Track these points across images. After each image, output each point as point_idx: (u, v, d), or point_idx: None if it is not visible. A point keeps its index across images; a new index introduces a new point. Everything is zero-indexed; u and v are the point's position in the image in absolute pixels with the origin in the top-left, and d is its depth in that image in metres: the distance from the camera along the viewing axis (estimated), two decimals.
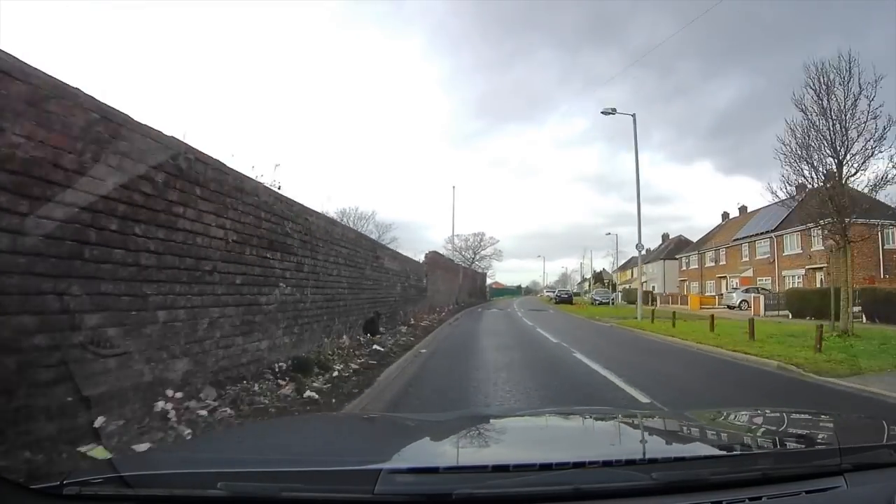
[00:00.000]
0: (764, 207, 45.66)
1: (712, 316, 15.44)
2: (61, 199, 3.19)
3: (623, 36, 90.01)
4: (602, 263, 78.29)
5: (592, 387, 6.96)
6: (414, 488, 1.17)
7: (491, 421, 2.28)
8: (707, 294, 44.76)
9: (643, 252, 26.17)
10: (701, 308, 34.86)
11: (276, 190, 7.13)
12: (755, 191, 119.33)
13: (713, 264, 47.31)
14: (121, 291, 3.71)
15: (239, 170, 5.94)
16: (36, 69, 3.11)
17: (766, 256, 39.96)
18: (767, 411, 2.61)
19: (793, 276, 36.87)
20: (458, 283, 34.45)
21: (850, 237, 14.17)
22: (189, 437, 3.57)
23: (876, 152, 12.90)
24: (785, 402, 6.27)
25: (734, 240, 44.06)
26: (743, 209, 49.03)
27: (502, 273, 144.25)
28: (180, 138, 4.77)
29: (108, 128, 3.66)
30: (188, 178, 4.74)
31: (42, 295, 3.03)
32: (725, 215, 52.14)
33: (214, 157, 5.36)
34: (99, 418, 3.28)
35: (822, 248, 35.35)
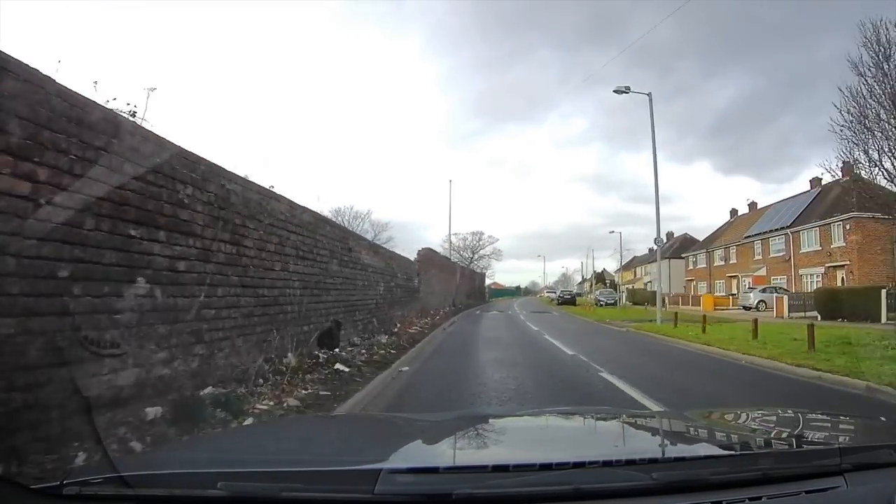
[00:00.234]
0: (776, 203, 43.48)
1: (755, 321, 12.93)
2: None
3: (623, 36, 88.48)
4: (602, 263, 76.04)
5: None
6: (414, 488, 1.16)
7: (490, 421, 2.24)
8: (716, 294, 42.29)
9: (662, 245, 23.52)
10: (715, 309, 32.33)
11: (166, 138, 4.55)
12: (755, 190, 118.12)
13: (722, 263, 44.83)
14: None
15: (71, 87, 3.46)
16: None
17: (780, 254, 37.52)
18: (767, 411, 2.56)
19: (811, 275, 34.46)
20: (454, 283, 31.85)
21: None
22: (188, 438, 3.48)
23: None
24: None
25: (745, 237, 41.59)
26: (753, 205, 46.64)
27: (501, 273, 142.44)
28: None
29: None
30: None
31: None
32: (734, 212, 49.69)
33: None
34: None
35: (844, 244, 33.27)
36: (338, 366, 7.17)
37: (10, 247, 2.93)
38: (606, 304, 37.26)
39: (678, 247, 56.03)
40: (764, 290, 31.87)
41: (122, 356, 3.76)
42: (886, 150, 11.33)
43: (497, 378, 7.30)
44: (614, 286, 66.86)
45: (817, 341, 10.75)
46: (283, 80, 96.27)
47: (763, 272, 38.75)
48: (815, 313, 24.65)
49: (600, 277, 73.20)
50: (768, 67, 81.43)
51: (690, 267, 51.14)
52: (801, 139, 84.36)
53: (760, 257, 39.63)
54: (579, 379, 7.54)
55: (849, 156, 12.22)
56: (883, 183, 12.22)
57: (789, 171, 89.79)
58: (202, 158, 5.07)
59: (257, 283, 6.01)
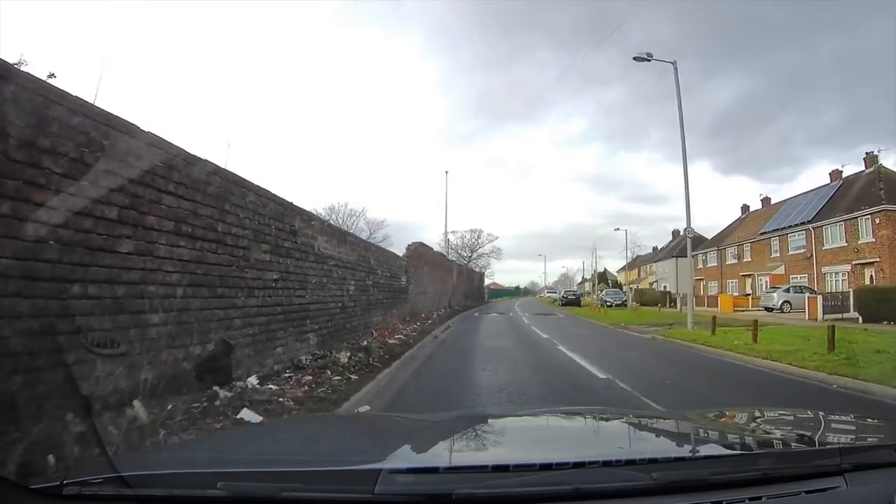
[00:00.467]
0: (793, 197, 40.58)
1: (831, 328, 10.00)
2: None
3: (623, 36, 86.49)
4: (602, 263, 73.34)
5: None
6: (414, 488, 1.15)
7: (490, 421, 2.20)
8: (728, 293, 39.43)
9: (692, 234, 20.43)
10: (734, 310, 29.45)
11: None
12: (754, 190, 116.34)
13: (735, 261, 41.97)
14: None
15: None
16: None
17: (801, 251, 34.66)
18: (768, 411, 2.48)
19: (835, 273, 31.63)
20: (451, 282, 28.87)
21: None
22: (188, 438, 3.36)
23: None
24: None
25: (761, 233, 38.71)
26: (766, 201, 43.80)
27: (500, 273, 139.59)
28: None
29: None
30: None
31: None
32: (745, 208, 46.87)
33: None
34: None
35: (873, 239, 30.45)
36: (244, 413, 4.27)
37: None
38: (614, 305, 34.32)
39: (685, 245, 53.06)
40: (788, 290, 28.97)
41: None
42: None
43: None
44: (618, 286, 64.07)
45: None
46: (283, 79, 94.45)
47: (781, 270, 35.91)
48: (853, 315, 21.87)
49: (602, 277, 70.39)
50: (768, 67, 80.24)
51: (700, 266, 48.20)
52: (800, 139, 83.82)
53: (778, 255, 36.78)
54: None
55: None
56: None
57: (789, 171, 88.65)
58: None
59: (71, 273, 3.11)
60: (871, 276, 28.90)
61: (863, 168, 34.33)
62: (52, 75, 4.43)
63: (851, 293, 23.80)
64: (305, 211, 7.31)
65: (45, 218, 3.01)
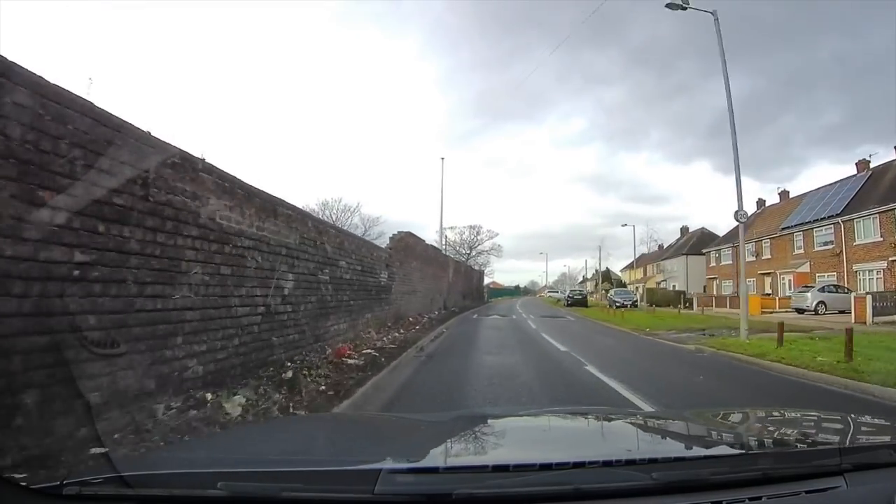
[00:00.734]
0: (815, 190, 37.37)
1: None
2: None
3: (623, 35, 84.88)
4: (601, 263, 70.41)
5: None
6: (414, 488, 1.14)
7: (490, 421, 2.15)
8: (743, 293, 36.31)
9: (746, 219, 16.82)
10: (762, 312, 26.31)
11: None
12: (755, 190, 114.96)
13: (753, 259, 38.74)
14: None
15: None
16: None
17: (828, 247, 31.60)
18: (767, 411, 2.51)
19: (869, 271, 28.56)
20: (446, 280, 25.60)
21: None
22: (189, 438, 3.32)
23: None
24: None
25: (783, 228, 35.59)
26: (784, 194, 40.69)
27: (499, 273, 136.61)
28: None
29: None
30: None
31: None
32: (761, 203, 43.71)
33: None
34: None
35: None
36: None
37: None
38: (623, 306, 31.16)
39: (696, 242, 50.10)
40: (823, 290, 25.80)
41: None
42: None
43: None
44: (622, 285, 61.09)
45: None
46: (283, 78, 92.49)
47: (806, 268, 32.81)
48: None
49: (606, 276, 67.35)
50: (768, 67, 78.93)
51: (713, 264, 45.15)
52: (800, 139, 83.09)
53: (802, 251, 33.66)
54: None
55: None
56: None
57: (789, 171, 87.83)
58: None
59: None
60: None
61: (893, 157, 31.44)
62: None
63: None
64: (174, 148, 4.11)
65: None
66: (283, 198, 6.60)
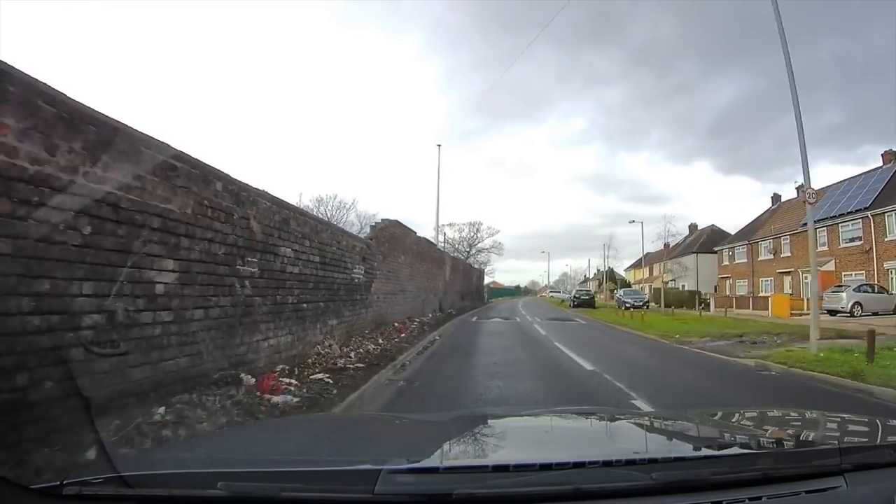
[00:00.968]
0: (838, 183, 34.82)
1: None
2: None
3: (623, 35, 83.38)
4: (599, 263, 68.36)
5: None
6: (414, 488, 1.11)
7: (490, 421, 2.11)
8: (761, 293, 33.70)
9: (813, 197, 13.45)
10: (791, 315, 23.73)
11: None
12: (755, 190, 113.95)
13: (771, 257, 36.20)
14: None
15: None
16: None
17: (856, 244, 29.04)
18: (768, 411, 2.51)
19: None
20: (442, 278, 22.89)
21: None
22: (188, 438, 3.28)
23: None
24: None
25: (804, 224, 32.97)
26: (802, 188, 38.05)
27: (500, 273, 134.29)
28: None
29: None
30: None
31: None
32: (776, 198, 41.15)
33: None
34: None
35: None
36: None
37: None
38: (643, 307, 28.56)
39: (706, 240, 47.49)
40: (858, 289, 23.21)
41: None
42: None
43: None
44: (627, 284, 58.59)
45: None
46: (283, 79, 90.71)
47: (831, 266, 30.18)
48: None
49: (610, 276, 64.97)
50: (768, 67, 77.87)
51: (725, 262, 42.52)
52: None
53: (826, 248, 31.01)
54: None
55: None
56: None
57: (790, 171, 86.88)
58: None
59: None
60: None
61: None
62: None
63: None
64: None
65: None
66: (162, 140, 4.00)
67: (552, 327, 16.80)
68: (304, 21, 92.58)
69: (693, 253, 46.89)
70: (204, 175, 4.60)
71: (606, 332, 16.08)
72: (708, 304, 32.03)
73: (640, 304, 32.04)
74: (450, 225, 50.01)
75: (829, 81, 78.06)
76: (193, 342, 4.28)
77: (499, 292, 72.70)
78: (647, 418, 2.46)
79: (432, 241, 22.68)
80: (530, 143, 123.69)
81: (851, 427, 1.92)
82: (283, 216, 6.26)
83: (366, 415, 4.24)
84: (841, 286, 24.22)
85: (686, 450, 1.63)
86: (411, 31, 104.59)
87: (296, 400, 4.64)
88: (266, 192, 5.96)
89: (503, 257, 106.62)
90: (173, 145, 4.13)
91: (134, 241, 3.63)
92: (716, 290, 41.25)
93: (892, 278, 26.72)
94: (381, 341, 9.36)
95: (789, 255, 34.08)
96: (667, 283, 48.83)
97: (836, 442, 1.61)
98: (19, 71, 2.87)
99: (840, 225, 30.18)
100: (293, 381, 5.30)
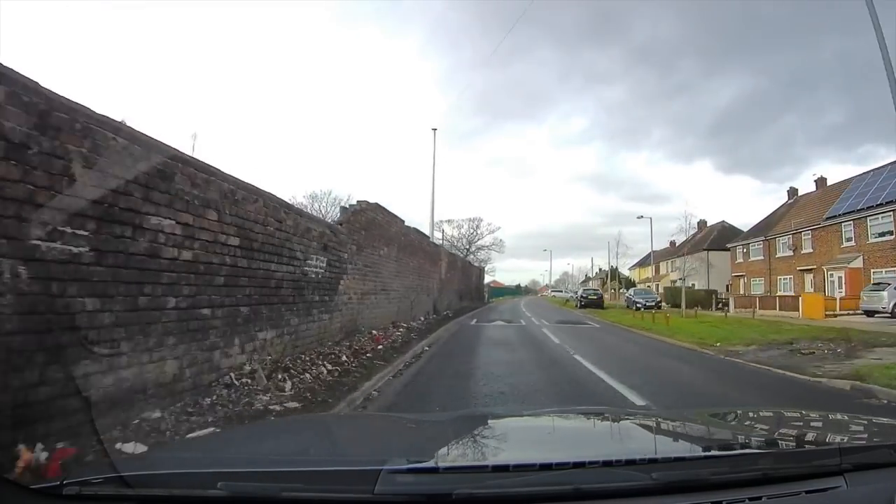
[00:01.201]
0: (862, 174, 32.40)
1: None
2: None
3: (624, 34, 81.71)
4: (599, 262, 66.22)
5: None
6: (414, 488, 1.10)
7: (490, 421, 2.10)
8: (778, 293, 31.22)
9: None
10: (826, 316, 21.29)
11: None
12: (755, 190, 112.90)
13: (790, 253, 33.76)
14: None
15: None
16: None
17: (886, 238, 26.58)
18: (768, 411, 2.49)
19: None
20: (437, 276, 20.40)
21: None
22: (189, 438, 3.29)
23: None
24: None
25: (827, 218, 30.56)
26: (821, 181, 35.57)
27: (499, 272, 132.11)
28: None
29: None
30: None
31: None
32: (793, 192, 38.70)
33: None
34: None
35: None
36: None
37: None
38: (647, 307, 26.16)
39: (716, 237, 45.04)
40: None
41: None
42: None
43: None
44: (631, 283, 56.32)
45: None
46: (284, 79, 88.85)
47: (859, 263, 27.77)
48: None
49: (614, 275, 62.69)
50: (769, 67, 75.90)
51: (739, 260, 40.06)
52: (802, 139, 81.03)
53: (853, 244, 28.59)
54: None
55: None
56: None
57: (790, 171, 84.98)
58: None
59: None
60: None
61: None
62: None
63: None
64: None
65: None
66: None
67: (563, 333, 14.31)
68: (304, 21, 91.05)
69: (703, 251, 44.38)
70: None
71: (630, 339, 13.57)
72: (726, 304, 29.53)
73: (653, 304, 29.61)
74: (448, 221, 47.56)
75: (832, 81, 76.71)
76: None
77: (499, 291, 70.48)
78: (647, 418, 2.34)
79: (426, 233, 20.15)
80: (531, 142, 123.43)
81: (851, 427, 1.91)
82: (158, 166, 3.80)
83: (366, 415, 4.27)
84: (880, 284, 21.74)
85: (686, 450, 1.61)
86: (411, 31, 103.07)
87: None
88: (120, 123, 3.52)
89: (504, 256, 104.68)
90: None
91: None
92: (728, 289, 38.79)
93: None
94: (345, 358, 6.91)
95: (811, 251, 31.66)
96: (674, 281, 46.29)
97: (836, 442, 1.58)
98: None
99: (869, 218, 27.74)
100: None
